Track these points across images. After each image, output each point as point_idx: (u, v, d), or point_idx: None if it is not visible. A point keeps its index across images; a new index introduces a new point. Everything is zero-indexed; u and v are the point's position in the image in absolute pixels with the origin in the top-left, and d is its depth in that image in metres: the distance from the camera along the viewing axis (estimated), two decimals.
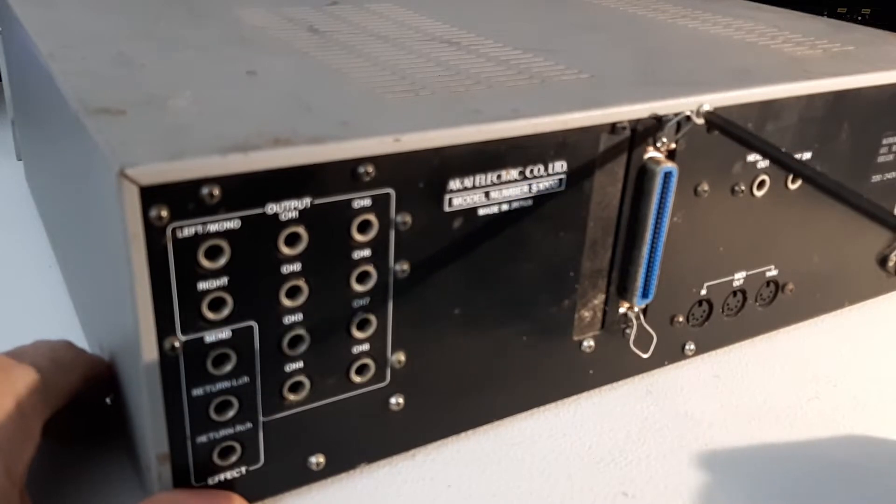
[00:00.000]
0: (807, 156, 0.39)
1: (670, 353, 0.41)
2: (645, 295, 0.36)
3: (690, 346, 0.41)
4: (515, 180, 0.31)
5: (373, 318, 0.31)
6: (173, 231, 0.25)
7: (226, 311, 0.27)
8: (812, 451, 0.36)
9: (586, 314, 0.37)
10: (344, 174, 0.28)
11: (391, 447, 0.34)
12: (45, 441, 0.29)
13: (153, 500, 0.29)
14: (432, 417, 0.35)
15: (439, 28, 0.45)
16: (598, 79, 0.36)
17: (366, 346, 0.31)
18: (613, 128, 0.33)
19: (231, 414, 0.29)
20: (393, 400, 0.33)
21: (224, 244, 0.26)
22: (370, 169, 0.28)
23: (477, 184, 0.31)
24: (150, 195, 0.24)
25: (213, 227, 0.26)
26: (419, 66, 0.37)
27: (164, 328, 0.26)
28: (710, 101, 0.34)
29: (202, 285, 0.27)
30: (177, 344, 0.27)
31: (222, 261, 0.27)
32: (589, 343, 0.37)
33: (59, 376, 0.30)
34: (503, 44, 0.42)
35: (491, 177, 0.31)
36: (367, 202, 0.29)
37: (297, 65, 0.36)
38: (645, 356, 0.39)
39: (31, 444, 0.28)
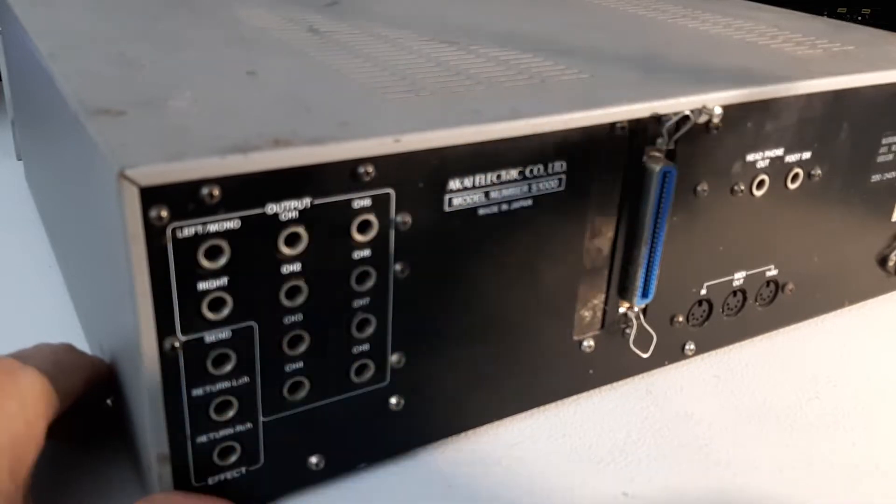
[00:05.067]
0: (806, 155, 0.39)
1: (670, 353, 0.41)
2: (645, 295, 0.36)
3: (690, 346, 0.41)
4: (515, 180, 0.32)
5: (373, 319, 0.31)
6: (173, 231, 0.25)
7: (226, 312, 0.27)
8: (812, 452, 0.36)
9: (586, 314, 0.37)
10: (344, 174, 0.28)
11: (391, 447, 0.34)
12: (46, 442, 0.30)
13: (150, 499, 0.29)
14: (432, 417, 0.35)
15: (439, 28, 0.45)
16: (597, 79, 0.36)
17: (366, 347, 0.31)
18: (613, 127, 0.33)
19: (231, 414, 0.29)
20: (393, 400, 0.33)
21: (224, 244, 0.26)
22: (370, 169, 0.28)
23: (477, 184, 0.31)
24: (150, 196, 0.24)
25: (212, 228, 0.26)
26: (419, 66, 0.37)
27: (164, 328, 0.26)
28: (710, 100, 0.34)
29: (202, 285, 0.27)
30: (177, 344, 0.27)
31: (222, 261, 0.27)
32: (589, 343, 0.37)
33: (62, 379, 0.31)
34: (503, 44, 0.42)
35: (491, 177, 0.31)
36: (366, 202, 0.29)
37: (296, 65, 0.36)
38: (645, 356, 0.39)
39: (35, 447, 0.29)
